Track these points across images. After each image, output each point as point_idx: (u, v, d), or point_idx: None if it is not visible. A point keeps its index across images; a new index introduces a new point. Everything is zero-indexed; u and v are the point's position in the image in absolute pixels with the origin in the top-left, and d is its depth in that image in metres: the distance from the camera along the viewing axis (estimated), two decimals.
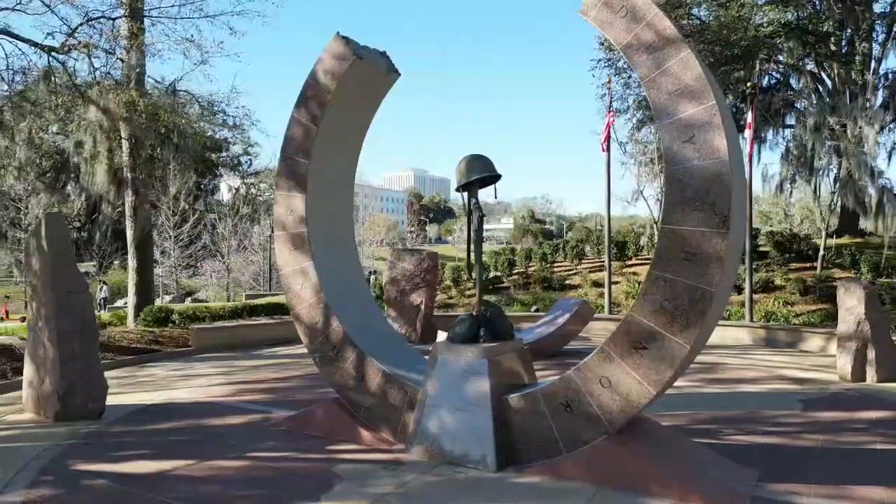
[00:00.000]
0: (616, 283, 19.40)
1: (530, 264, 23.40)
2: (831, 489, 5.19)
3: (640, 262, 22.07)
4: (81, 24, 12.50)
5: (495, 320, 6.48)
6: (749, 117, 15.86)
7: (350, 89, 7.19)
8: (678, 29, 5.28)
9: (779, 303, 16.49)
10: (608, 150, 18.17)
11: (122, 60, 12.98)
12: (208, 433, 7.24)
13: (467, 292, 20.44)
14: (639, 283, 19.11)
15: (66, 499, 5.21)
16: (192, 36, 13.80)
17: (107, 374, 11.19)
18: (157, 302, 32.34)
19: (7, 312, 36.19)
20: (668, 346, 5.11)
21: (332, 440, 6.73)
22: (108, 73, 12.73)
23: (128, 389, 9.96)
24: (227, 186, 47.63)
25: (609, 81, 19.41)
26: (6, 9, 14.99)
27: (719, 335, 15.03)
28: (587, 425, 5.45)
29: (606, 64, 24.23)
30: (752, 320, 15.21)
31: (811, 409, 7.91)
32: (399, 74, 7.67)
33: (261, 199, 47.13)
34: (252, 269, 46.28)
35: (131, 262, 18.72)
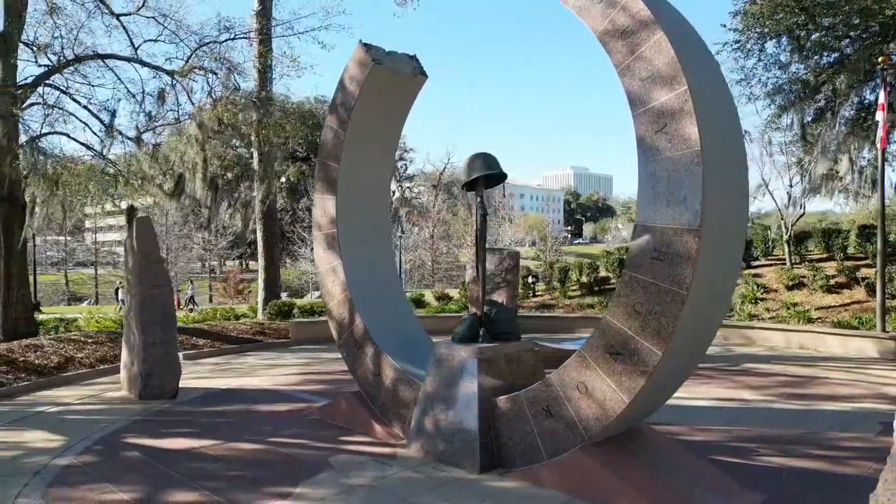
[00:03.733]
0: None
1: None
2: None
3: (769, 262, 20.00)
4: (196, 50, 14.17)
5: (497, 320, 6.39)
6: (881, 97, 13.78)
7: (374, 94, 7.43)
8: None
9: None
10: None
11: (219, 79, 14.51)
12: (250, 418, 7.88)
13: (569, 293, 19.91)
14: (758, 287, 17.43)
15: (98, 465, 6.00)
16: (284, 52, 15.05)
17: (206, 360, 12.68)
18: (308, 297, 35.20)
19: (180, 303, 40.17)
20: (640, 352, 4.75)
21: (351, 431, 7.03)
22: (212, 91, 14.33)
23: (215, 375, 11.04)
24: None
25: None
26: (150, 40, 17.60)
27: (841, 345, 13.32)
28: (566, 432, 5.22)
29: (734, 47, 22.29)
30: (884, 330, 13.25)
31: (886, 434, 6.81)
32: (426, 77, 7.78)
33: (417, 201, 49.51)
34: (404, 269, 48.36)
35: (260, 262, 20.69)
